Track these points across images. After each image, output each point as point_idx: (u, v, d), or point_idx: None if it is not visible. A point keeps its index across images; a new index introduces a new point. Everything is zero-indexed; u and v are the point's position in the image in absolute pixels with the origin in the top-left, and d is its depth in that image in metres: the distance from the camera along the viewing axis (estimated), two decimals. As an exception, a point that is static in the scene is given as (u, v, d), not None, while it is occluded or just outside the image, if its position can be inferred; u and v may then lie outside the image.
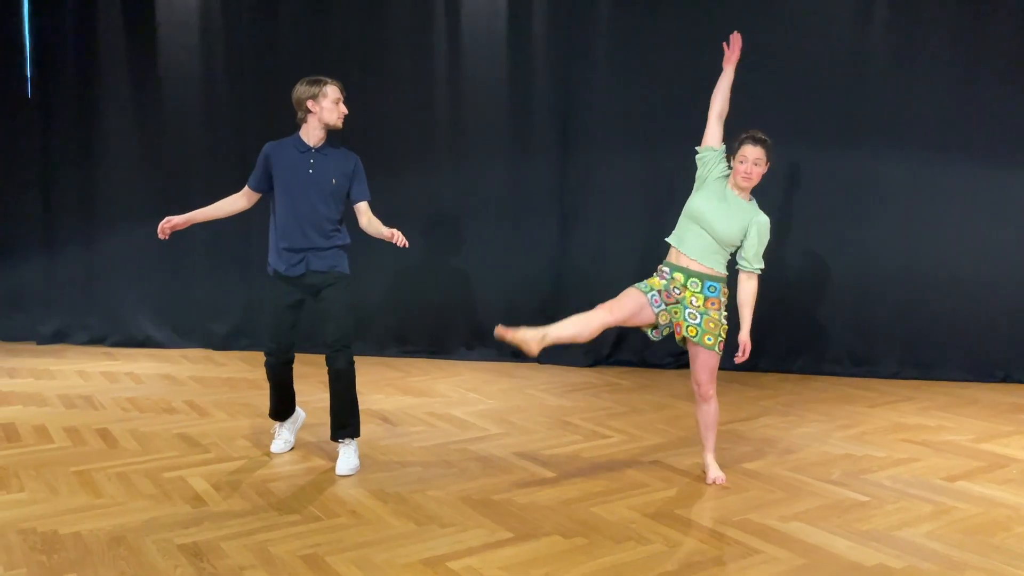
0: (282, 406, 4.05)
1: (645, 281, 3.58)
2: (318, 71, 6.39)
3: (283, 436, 4.12)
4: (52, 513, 3.28)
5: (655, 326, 3.57)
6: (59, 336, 7.09)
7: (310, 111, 3.76)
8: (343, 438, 3.83)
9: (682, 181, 5.97)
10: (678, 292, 3.52)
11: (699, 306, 3.49)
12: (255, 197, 3.92)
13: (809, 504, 3.37)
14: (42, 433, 4.41)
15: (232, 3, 6.67)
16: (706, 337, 3.48)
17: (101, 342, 7.00)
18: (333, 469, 3.80)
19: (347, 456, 3.80)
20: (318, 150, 3.79)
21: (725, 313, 3.55)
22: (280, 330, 3.85)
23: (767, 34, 5.72)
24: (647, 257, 6.09)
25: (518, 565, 2.83)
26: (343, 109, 3.80)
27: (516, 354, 6.36)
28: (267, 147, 3.84)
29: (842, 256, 5.78)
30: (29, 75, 7.11)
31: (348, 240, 3.89)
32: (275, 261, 3.81)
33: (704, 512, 3.28)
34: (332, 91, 3.76)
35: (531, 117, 6.22)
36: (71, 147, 7.03)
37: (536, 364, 6.24)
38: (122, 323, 6.98)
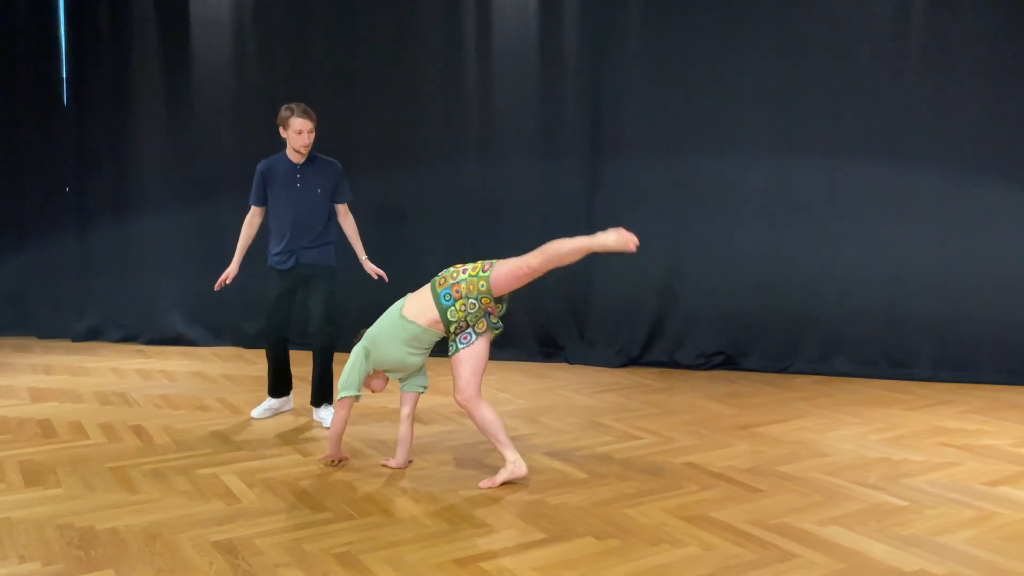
0: (278, 382, 4.68)
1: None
2: (348, 69, 6.54)
3: (269, 403, 4.70)
4: (89, 509, 3.32)
5: (492, 322, 3.61)
6: (93, 334, 7.20)
7: (283, 136, 4.35)
8: (324, 403, 4.56)
9: (711, 188, 5.96)
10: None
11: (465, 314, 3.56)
12: (262, 211, 4.52)
13: (846, 508, 3.32)
14: (78, 429, 4.46)
15: (264, 3, 6.72)
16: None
17: (134, 340, 7.09)
18: (365, 469, 3.81)
19: (330, 412, 4.48)
20: (303, 164, 4.37)
21: (470, 300, 3.51)
22: (274, 313, 4.54)
23: (802, 39, 5.67)
24: (675, 263, 6.07)
25: (551, 566, 2.81)
26: (304, 140, 4.27)
27: (547, 354, 6.37)
28: (260, 166, 4.45)
29: (877, 257, 5.70)
30: (65, 78, 7.22)
31: (334, 237, 4.51)
32: (271, 259, 4.48)
33: (739, 515, 3.24)
34: (295, 123, 4.25)
35: (560, 120, 6.19)
36: (105, 148, 7.13)
37: (567, 365, 6.22)
38: (155, 321, 7.05)
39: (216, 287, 4.60)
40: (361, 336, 3.73)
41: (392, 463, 3.82)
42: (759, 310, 5.93)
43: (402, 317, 3.60)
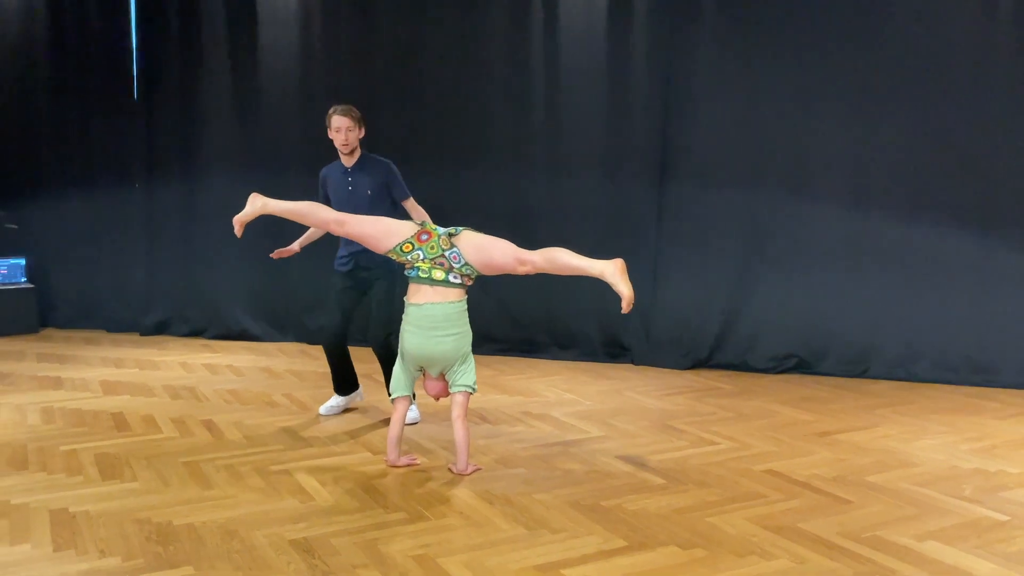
0: (339, 380, 4.68)
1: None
2: (415, 69, 6.49)
3: (335, 400, 4.72)
4: (165, 504, 3.31)
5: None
6: (161, 328, 7.29)
7: (330, 137, 4.39)
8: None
9: (778, 213, 5.77)
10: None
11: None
12: None
13: (943, 522, 3.15)
14: (150, 423, 4.49)
15: (331, 3, 6.72)
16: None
17: (200, 334, 7.16)
18: (437, 469, 3.75)
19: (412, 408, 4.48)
20: (354, 167, 4.40)
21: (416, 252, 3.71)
22: (332, 311, 4.52)
23: (880, 80, 5.49)
24: (745, 264, 5.90)
25: (636, 575, 2.71)
26: (342, 138, 4.30)
27: (612, 355, 6.24)
28: (322, 172, 4.51)
29: (960, 258, 5.47)
30: (135, 76, 7.32)
31: None
32: (336, 263, 4.54)
33: (830, 527, 3.10)
34: (333, 121, 4.30)
35: (629, 139, 6.04)
36: (174, 146, 7.20)
37: (632, 366, 6.10)
38: (220, 316, 7.12)
39: (274, 255, 4.61)
40: None
41: (455, 469, 3.73)
42: (834, 312, 5.73)
43: (405, 303, 3.72)
